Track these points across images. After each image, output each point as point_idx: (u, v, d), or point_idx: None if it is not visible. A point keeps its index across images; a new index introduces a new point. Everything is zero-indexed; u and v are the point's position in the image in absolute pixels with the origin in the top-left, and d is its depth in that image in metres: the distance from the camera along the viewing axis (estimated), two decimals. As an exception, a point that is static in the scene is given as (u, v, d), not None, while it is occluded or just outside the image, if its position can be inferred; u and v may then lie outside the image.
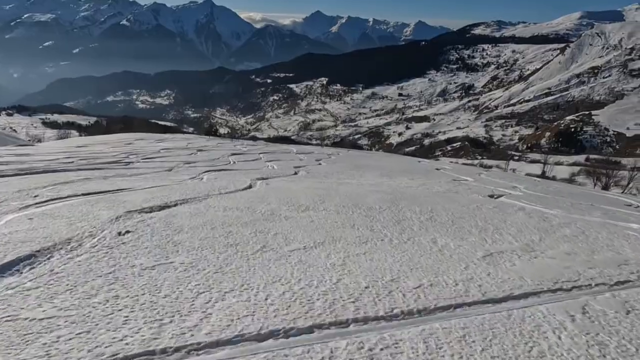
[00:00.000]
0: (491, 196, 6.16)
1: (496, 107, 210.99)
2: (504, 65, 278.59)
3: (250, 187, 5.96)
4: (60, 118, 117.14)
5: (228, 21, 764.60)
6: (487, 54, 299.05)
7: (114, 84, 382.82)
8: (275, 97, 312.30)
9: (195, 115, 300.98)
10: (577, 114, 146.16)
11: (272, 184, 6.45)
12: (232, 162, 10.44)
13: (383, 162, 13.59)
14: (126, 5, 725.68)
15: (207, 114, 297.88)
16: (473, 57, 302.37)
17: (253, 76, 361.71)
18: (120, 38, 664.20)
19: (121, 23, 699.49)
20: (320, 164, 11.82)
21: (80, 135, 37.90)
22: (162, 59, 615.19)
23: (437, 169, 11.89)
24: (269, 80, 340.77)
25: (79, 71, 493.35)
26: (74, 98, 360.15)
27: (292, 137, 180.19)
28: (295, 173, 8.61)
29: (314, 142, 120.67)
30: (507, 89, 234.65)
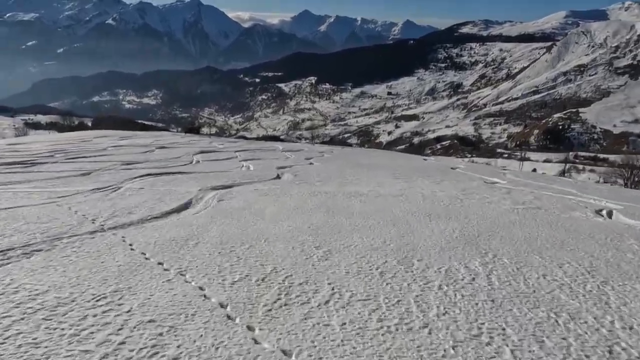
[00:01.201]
0: (599, 212, 4.72)
1: (485, 105, 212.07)
2: (492, 63, 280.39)
3: (185, 207, 4.17)
4: (44, 119, 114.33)
5: (216, 20, 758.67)
6: (475, 53, 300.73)
7: (99, 84, 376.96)
8: (264, 97, 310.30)
9: (183, 115, 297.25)
10: (564, 112, 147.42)
11: (231, 201, 4.60)
12: (193, 162, 8.95)
13: (385, 160, 12.34)
14: (111, 4, 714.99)
15: (195, 114, 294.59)
16: (461, 55, 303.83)
17: (241, 75, 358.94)
18: (106, 37, 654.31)
19: (107, 22, 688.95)
20: (311, 163, 10.53)
21: (50, 133, 36.15)
22: (149, 58, 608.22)
23: (452, 169, 10.97)
24: (257, 80, 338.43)
25: (64, 71, 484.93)
26: (58, 98, 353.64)
27: (282, 137, 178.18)
28: (278, 177, 7.13)
29: (303, 141, 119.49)
30: (495, 87, 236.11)
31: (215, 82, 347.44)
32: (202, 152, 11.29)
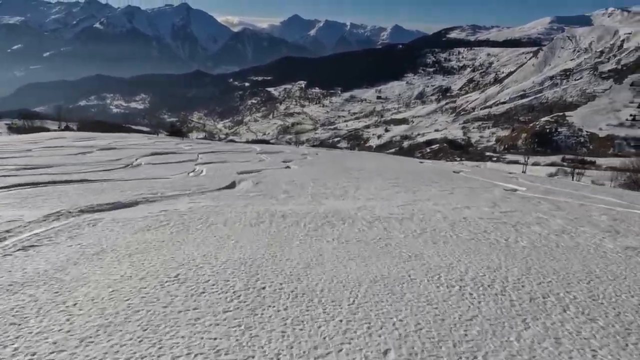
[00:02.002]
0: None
1: (473, 109, 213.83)
2: (480, 68, 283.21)
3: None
4: (29, 123, 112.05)
5: (205, 24, 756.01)
6: (463, 57, 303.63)
7: (86, 88, 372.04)
8: (254, 101, 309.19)
9: (172, 119, 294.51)
10: (551, 115, 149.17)
11: (36, 258, 2.73)
12: (131, 165, 7.95)
13: (377, 163, 11.55)
14: (99, 8, 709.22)
15: (184, 118, 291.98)
16: (449, 60, 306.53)
17: (231, 80, 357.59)
18: (93, 41, 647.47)
19: (94, 26, 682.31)
20: (287, 167, 9.60)
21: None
22: (137, 62, 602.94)
23: (455, 172, 10.36)
24: (247, 84, 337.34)
25: (50, 75, 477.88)
26: (44, 103, 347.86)
27: (271, 141, 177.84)
28: (231, 185, 6.14)
29: (293, 145, 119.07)
30: (483, 91, 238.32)
31: (205, 87, 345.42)
32: (154, 153, 10.36)
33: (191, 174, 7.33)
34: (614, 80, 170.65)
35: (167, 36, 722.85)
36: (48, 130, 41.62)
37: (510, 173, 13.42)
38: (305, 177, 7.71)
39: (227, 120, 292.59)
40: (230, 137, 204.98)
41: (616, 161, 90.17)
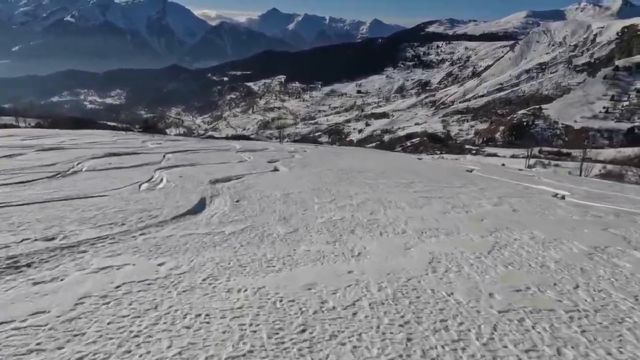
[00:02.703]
0: None
1: (452, 102, 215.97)
2: (458, 61, 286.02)
3: None
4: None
5: (181, 18, 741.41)
6: (441, 51, 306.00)
7: (59, 83, 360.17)
8: (233, 96, 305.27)
9: (149, 115, 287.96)
10: (528, 108, 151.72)
11: None
12: (67, 172, 6.41)
13: (374, 162, 10.64)
14: (71, 1, 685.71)
15: (162, 114, 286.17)
16: (428, 54, 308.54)
17: (209, 74, 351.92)
18: (65, 35, 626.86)
19: (65, 19, 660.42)
20: (275, 169, 8.47)
21: None
22: (111, 57, 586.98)
23: (468, 171, 9.69)
24: (225, 79, 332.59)
25: (20, 70, 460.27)
26: (13, 99, 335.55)
27: (252, 136, 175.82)
28: (199, 205, 4.84)
29: (274, 140, 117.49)
30: (461, 85, 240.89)
31: (182, 81, 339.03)
32: (110, 154, 8.68)
33: (144, 186, 5.70)
34: (587, 73, 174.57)
35: (142, 30, 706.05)
36: (17, 127, 39.56)
37: (520, 170, 13.09)
38: (302, 186, 6.76)
39: (206, 116, 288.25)
40: (210, 133, 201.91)
41: (591, 153, 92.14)
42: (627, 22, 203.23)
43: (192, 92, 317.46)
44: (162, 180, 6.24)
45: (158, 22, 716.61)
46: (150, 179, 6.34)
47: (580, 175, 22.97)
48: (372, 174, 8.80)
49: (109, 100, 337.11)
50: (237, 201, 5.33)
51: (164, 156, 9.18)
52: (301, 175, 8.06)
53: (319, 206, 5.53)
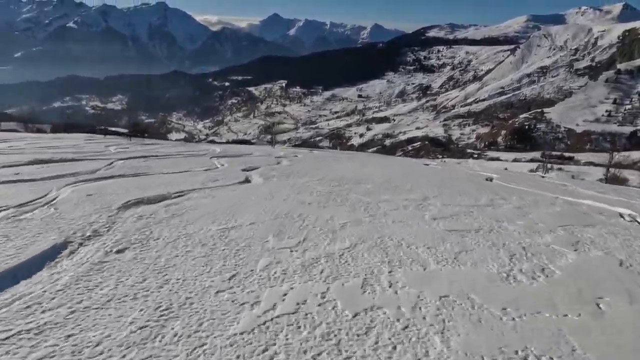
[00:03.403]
0: None
1: (453, 106, 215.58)
2: (459, 66, 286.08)
3: None
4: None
5: (183, 24, 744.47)
6: (442, 55, 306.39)
7: (60, 89, 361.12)
8: (234, 101, 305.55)
9: (150, 120, 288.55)
10: (529, 112, 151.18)
11: None
12: None
13: (375, 168, 9.28)
14: (72, 7, 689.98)
15: (163, 119, 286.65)
16: (429, 58, 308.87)
17: (210, 79, 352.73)
18: (67, 41, 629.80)
19: (67, 25, 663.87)
20: (247, 180, 7.13)
21: None
22: (113, 62, 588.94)
23: (488, 180, 8.35)
24: (226, 84, 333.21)
25: (21, 76, 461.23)
26: (15, 105, 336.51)
27: (253, 141, 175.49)
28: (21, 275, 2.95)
29: (275, 145, 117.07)
30: (462, 89, 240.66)
31: (183, 86, 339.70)
32: (34, 162, 7.27)
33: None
34: (589, 77, 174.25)
35: (144, 35, 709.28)
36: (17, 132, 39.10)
37: (542, 177, 11.79)
38: (265, 210, 5.20)
39: (207, 121, 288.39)
40: (211, 138, 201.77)
41: (593, 157, 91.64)
42: (629, 25, 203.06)
43: (193, 98, 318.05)
44: (53, 200, 4.85)
45: (159, 28, 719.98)
46: (31, 200, 4.78)
47: (606, 181, 22.28)
48: (371, 186, 7.30)
49: (110, 106, 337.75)
50: (119, 251, 3.39)
51: (111, 164, 7.80)
52: (276, 189, 6.62)
53: (267, 263, 3.44)
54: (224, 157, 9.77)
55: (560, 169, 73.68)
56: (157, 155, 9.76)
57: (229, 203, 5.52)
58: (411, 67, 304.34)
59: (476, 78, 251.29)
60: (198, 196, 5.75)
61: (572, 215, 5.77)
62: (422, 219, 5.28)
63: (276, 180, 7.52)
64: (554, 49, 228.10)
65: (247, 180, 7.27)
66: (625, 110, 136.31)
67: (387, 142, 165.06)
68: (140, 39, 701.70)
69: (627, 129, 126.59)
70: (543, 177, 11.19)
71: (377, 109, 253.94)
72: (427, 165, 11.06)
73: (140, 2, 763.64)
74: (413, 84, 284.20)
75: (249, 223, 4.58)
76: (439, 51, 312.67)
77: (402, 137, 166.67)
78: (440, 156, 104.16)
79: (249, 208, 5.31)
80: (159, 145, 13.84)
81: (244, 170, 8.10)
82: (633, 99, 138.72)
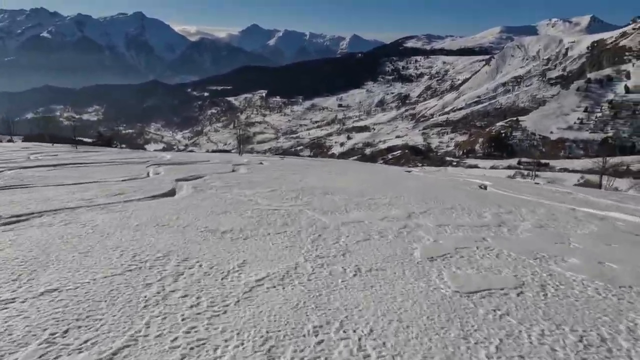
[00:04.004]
0: None
1: (432, 115, 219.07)
2: (437, 75, 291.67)
3: None
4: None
5: (161, 34, 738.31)
6: (420, 65, 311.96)
7: (34, 100, 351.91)
8: (214, 111, 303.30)
9: (128, 131, 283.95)
10: (505, 120, 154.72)
11: None
12: None
13: (348, 177, 8.11)
14: (46, 17, 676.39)
15: (141, 130, 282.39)
16: (407, 68, 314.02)
17: (189, 89, 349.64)
18: (40, 51, 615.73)
19: (41, 35, 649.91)
20: (169, 194, 6.12)
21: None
22: (89, 72, 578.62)
23: (482, 187, 7.47)
24: (206, 94, 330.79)
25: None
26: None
27: (232, 151, 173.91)
28: None
29: (255, 154, 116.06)
30: (440, 98, 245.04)
31: (162, 97, 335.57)
32: None
33: None
34: (561, 86, 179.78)
35: (121, 45, 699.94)
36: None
37: (536, 184, 10.81)
38: (110, 260, 3.26)
39: (186, 131, 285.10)
40: (190, 148, 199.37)
41: (569, 163, 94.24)
42: (597, 37, 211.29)
43: (172, 108, 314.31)
44: None
45: (137, 38, 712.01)
46: None
47: (600, 187, 22.52)
48: (340, 199, 5.99)
49: (86, 117, 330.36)
50: None
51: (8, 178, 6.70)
52: (194, 207, 5.22)
53: None
54: (168, 164, 8.42)
55: (537, 176, 75.45)
56: (81, 163, 8.52)
57: (77, 236, 3.78)
58: (390, 77, 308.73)
59: (453, 87, 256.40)
60: (42, 222, 4.19)
61: (629, 241, 4.33)
62: (410, 260, 3.42)
63: (212, 192, 6.29)
64: (527, 59, 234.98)
65: (171, 193, 6.03)
66: (596, 118, 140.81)
67: (368, 150, 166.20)
68: (117, 49, 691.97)
69: (599, 136, 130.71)
70: (537, 184, 10.83)
71: (357, 118, 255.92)
72: (409, 172, 10.28)
73: (117, 12, 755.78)
74: (392, 93, 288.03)
75: (42, 292, 2.57)
76: (416, 61, 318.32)
77: (383, 146, 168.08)
78: (420, 164, 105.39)
79: (94, 251, 3.40)
80: (102, 153, 12.90)
81: (178, 180, 6.77)
82: (603, 107, 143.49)
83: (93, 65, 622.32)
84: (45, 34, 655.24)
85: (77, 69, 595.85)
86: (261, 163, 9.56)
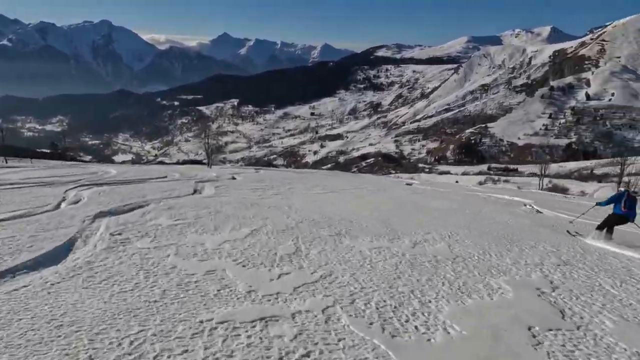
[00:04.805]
0: None
1: (403, 123, 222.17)
2: (407, 84, 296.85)
3: None
4: None
5: (128, 42, 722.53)
6: (390, 74, 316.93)
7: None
8: (184, 120, 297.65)
9: (95, 142, 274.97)
10: (474, 127, 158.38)
11: None
12: None
13: (352, 202, 7.24)
14: (6, 24, 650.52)
15: (108, 140, 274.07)
16: (378, 77, 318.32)
17: (159, 99, 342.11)
18: (1, 60, 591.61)
19: (1, 43, 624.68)
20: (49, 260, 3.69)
21: None
22: (53, 82, 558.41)
23: (528, 207, 7.07)
24: (176, 103, 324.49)
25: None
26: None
27: (204, 161, 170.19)
28: None
29: (227, 164, 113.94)
30: (411, 106, 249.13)
31: (130, 106, 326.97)
32: None
33: None
34: (526, 93, 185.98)
35: (87, 54, 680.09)
36: None
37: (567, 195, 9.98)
38: None
39: (156, 141, 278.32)
40: (160, 159, 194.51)
41: (538, 168, 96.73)
42: (557, 46, 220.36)
43: (140, 118, 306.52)
44: None
45: (104, 46, 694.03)
46: None
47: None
48: (371, 247, 4.36)
49: (49, 127, 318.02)
50: None
51: None
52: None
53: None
54: (104, 184, 6.27)
55: (507, 181, 77.00)
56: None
57: None
58: (362, 86, 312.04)
59: (423, 96, 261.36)
60: None
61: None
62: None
63: (140, 251, 3.89)
64: (494, 68, 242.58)
65: (42, 262, 3.55)
66: (560, 124, 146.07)
67: (341, 158, 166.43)
68: (83, 58, 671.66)
69: (563, 142, 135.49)
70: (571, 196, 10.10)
71: (330, 127, 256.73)
72: (409, 185, 8.97)
73: (82, 20, 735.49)
74: (364, 101, 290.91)
75: None
76: (387, 70, 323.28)
77: (356, 154, 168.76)
78: (394, 171, 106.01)
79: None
80: (30, 168, 11.30)
81: (98, 215, 4.69)
82: (566, 114, 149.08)
83: (57, 74, 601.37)
84: (5, 42, 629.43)
85: (40, 78, 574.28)
86: (233, 178, 8.17)
